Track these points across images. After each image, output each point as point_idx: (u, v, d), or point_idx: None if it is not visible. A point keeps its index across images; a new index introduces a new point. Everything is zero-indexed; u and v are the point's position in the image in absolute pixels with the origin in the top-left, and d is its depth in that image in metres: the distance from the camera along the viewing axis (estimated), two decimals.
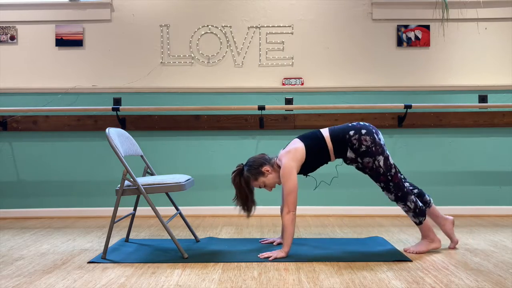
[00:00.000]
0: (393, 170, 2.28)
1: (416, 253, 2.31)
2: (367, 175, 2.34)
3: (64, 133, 3.53)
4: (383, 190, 2.33)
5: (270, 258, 2.21)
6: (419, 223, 2.31)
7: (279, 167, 2.33)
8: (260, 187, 2.39)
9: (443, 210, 3.45)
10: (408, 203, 2.28)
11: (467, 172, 3.51)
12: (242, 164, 2.40)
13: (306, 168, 2.35)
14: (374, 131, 2.30)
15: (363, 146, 2.26)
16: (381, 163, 2.26)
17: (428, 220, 2.34)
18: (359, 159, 2.29)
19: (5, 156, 3.53)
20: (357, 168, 2.36)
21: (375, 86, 3.51)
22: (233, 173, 2.37)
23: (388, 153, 2.30)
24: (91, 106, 3.48)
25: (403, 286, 1.81)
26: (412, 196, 2.30)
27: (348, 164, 2.39)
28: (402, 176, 2.38)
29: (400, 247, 2.43)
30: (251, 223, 3.17)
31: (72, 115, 3.50)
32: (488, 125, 3.48)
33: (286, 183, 2.24)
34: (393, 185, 2.28)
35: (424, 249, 2.32)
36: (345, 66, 3.54)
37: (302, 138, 2.36)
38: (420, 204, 2.30)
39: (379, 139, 2.29)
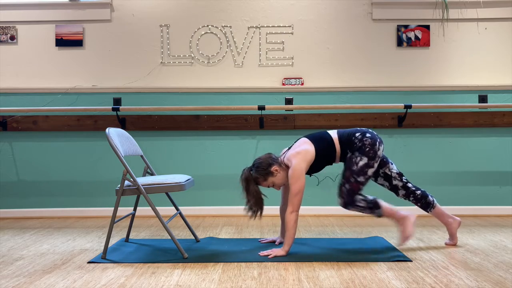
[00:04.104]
0: (361, 180, 2.27)
1: (407, 237, 2.31)
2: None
3: (64, 133, 3.53)
4: (338, 191, 2.33)
5: (270, 256, 2.21)
6: (379, 216, 2.32)
7: (286, 166, 2.33)
8: (268, 187, 2.38)
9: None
10: (358, 204, 2.29)
11: (467, 172, 3.51)
12: (246, 168, 2.37)
13: (312, 168, 2.36)
14: (378, 140, 2.32)
15: (359, 143, 2.29)
16: (360, 163, 2.27)
17: (384, 205, 2.31)
18: (351, 152, 2.31)
19: (5, 156, 3.53)
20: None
21: (375, 86, 3.51)
22: (241, 177, 2.34)
23: (375, 167, 2.30)
24: (91, 106, 3.48)
25: (403, 286, 1.81)
26: (358, 196, 2.29)
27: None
28: (396, 183, 2.39)
29: (400, 247, 2.43)
30: (251, 223, 3.17)
31: (72, 115, 3.50)
32: (488, 125, 3.48)
33: (294, 184, 2.23)
34: (347, 189, 2.28)
35: (410, 228, 2.30)
36: (345, 66, 3.54)
37: (311, 139, 2.35)
38: (370, 198, 2.30)
39: (378, 149, 2.30)
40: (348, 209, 2.32)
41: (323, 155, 2.34)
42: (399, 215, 2.33)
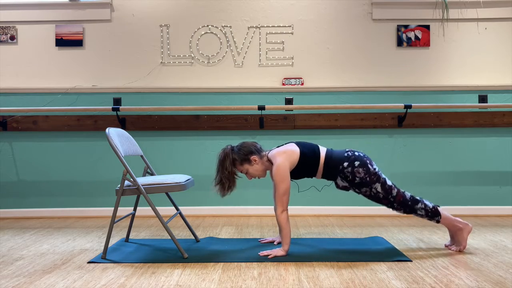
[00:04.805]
0: (394, 191, 2.30)
1: (461, 250, 2.33)
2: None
3: (64, 133, 3.53)
4: (395, 211, 2.36)
5: (270, 256, 2.22)
6: (437, 222, 2.34)
7: (269, 162, 2.35)
8: (241, 172, 2.40)
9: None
10: (419, 212, 2.32)
11: (467, 172, 3.51)
12: (230, 145, 2.40)
13: (291, 173, 2.35)
14: (368, 161, 2.32)
15: (357, 178, 2.29)
16: (379, 189, 2.29)
17: (445, 215, 2.33)
18: (356, 189, 2.34)
19: (5, 156, 3.53)
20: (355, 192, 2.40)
21: (375, 86, 3.51)
22: (221, 151, 2.37)
23: (385, 177, 2.33)
24: (91, 106, 3.48)
25: (403, 286, 1.81)
26: (419, 204, 2.31)
27: (339, 189, 2.41)
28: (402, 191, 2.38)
29: (400, 247, 2.43)
30: (251, 223, 3.17)
31: (72, 115, 3.50)
32: (488, 125, 3.48)
33: (281, 183, 2.25)
34: (397, 204, 2.31)
35: (463, 242, 2.34)
36: (345, 66, 3.54)
37: (299, 145, 2.37)
38: (430, 206, 2.32)
39: (374, 169, 2.31)
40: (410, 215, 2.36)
41: (306, 163, 2.32)
42: (458, 223, 2.34)
